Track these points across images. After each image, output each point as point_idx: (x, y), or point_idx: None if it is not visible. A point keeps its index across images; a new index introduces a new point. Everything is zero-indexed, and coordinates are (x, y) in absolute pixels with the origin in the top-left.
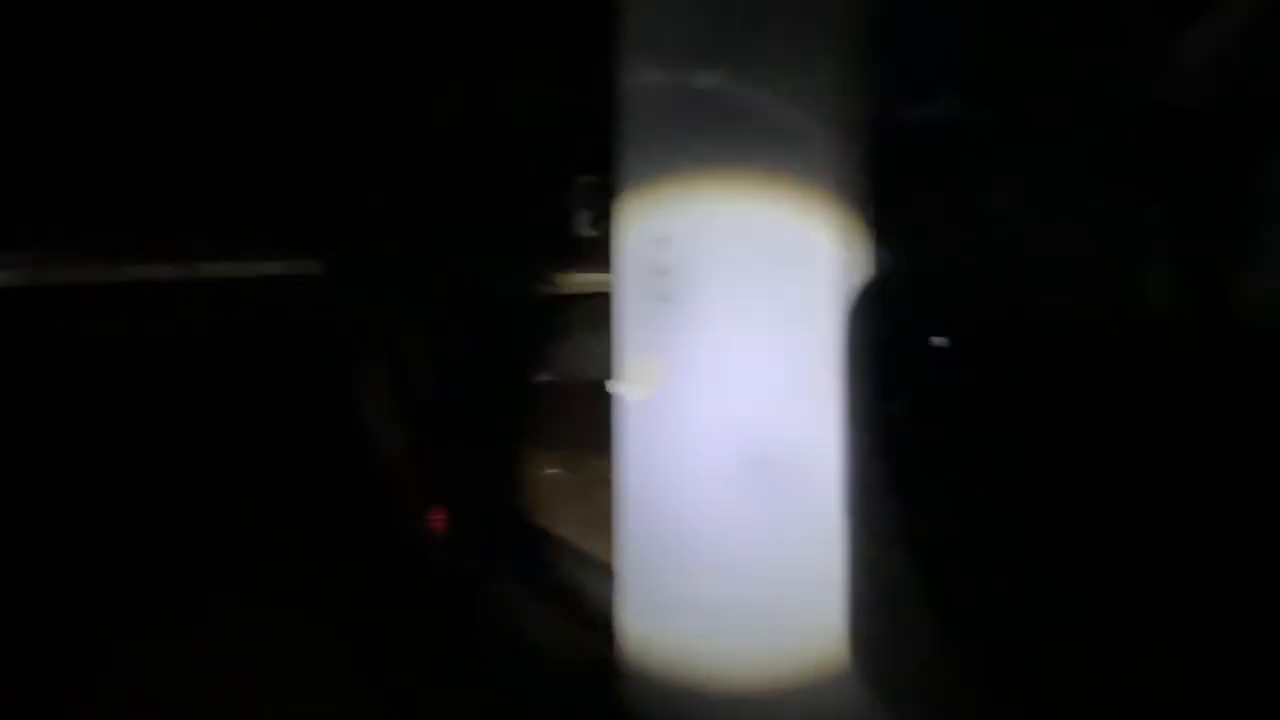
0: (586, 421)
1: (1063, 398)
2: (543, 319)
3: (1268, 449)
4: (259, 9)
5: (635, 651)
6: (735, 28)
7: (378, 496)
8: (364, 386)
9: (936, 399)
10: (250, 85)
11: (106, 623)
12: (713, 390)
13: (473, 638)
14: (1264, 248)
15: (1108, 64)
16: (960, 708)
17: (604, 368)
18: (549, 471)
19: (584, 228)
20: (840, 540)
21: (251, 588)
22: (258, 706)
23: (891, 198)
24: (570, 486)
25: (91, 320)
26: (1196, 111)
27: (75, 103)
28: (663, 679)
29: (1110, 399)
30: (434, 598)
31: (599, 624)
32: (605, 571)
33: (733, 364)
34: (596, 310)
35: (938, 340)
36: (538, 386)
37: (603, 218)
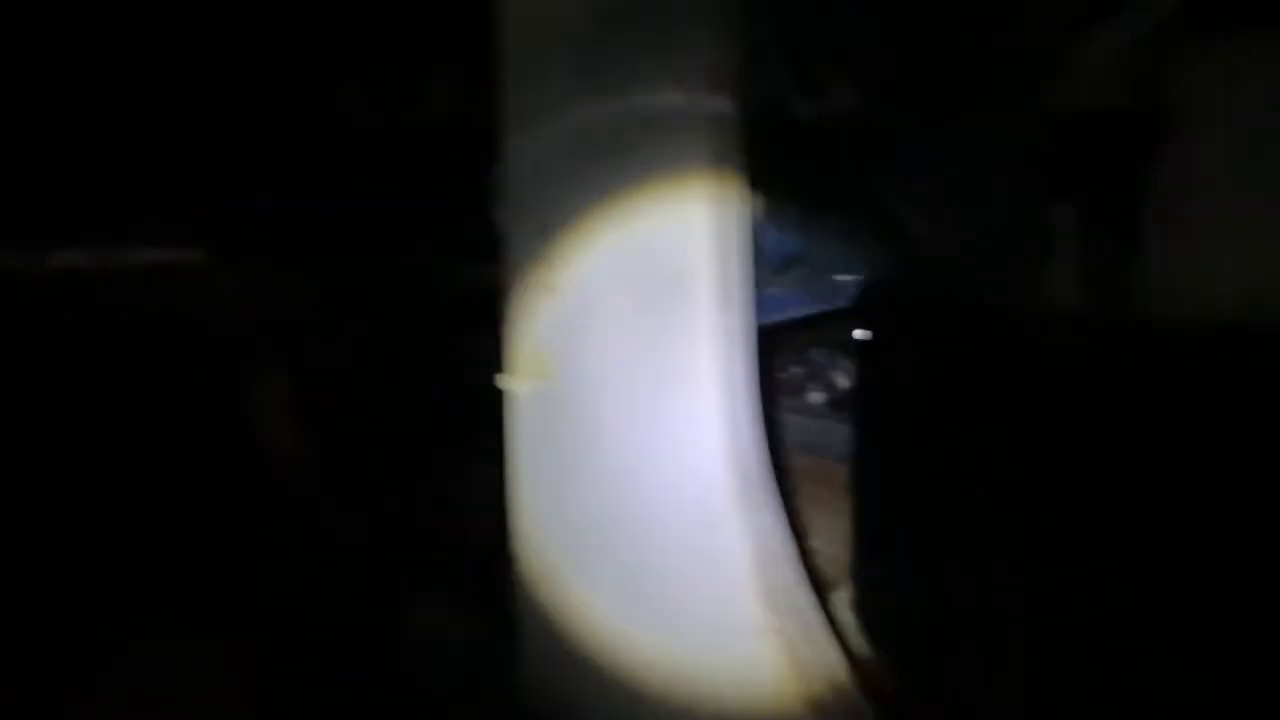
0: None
1: (971, 391)
2: (458, 313)
3: (1164, 438)
4: None
5: (536, 648)
6: (609, 36)
7: (275, 503)
8: (261, 386)
9: (851, 392)
10: (133, 59)
11: None
12: (598, 386)
13: (391, 650)
14: (1159, 244)
15: (1008, 63)
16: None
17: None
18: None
19: (501, 218)
20: (732, 536)
21: (136, 603)
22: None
23: (787, 193)
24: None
25: None
26: (1096, 113)
27: None
28: (564, 676)
29: (1015, 390)
30: (342, 608)
31: (508, 624)
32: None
33: (613, 361)
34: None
35: (859, 333)
36: (456, 384)
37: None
